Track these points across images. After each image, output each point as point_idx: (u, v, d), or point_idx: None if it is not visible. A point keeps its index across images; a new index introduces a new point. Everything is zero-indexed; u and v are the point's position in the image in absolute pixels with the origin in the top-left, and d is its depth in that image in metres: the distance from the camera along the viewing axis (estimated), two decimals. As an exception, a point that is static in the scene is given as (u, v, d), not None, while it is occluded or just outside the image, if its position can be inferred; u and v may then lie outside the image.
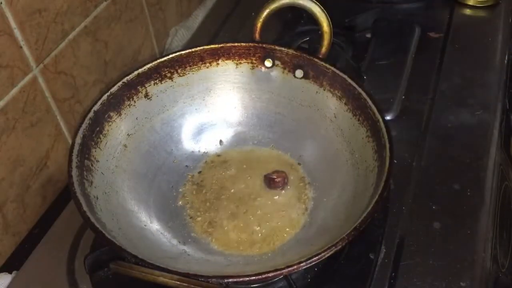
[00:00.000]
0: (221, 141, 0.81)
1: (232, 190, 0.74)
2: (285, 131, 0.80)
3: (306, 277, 0.65)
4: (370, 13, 1.00)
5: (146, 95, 0.77)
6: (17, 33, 0.66)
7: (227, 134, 0.81)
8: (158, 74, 0.78)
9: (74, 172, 0.64)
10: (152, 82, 0.77)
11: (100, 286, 0.64)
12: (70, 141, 0.79)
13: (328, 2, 0.76)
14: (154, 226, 0.70)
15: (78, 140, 0.67)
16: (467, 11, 1.04)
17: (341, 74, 0.74)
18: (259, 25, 0.79)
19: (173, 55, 0.78)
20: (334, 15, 0.76)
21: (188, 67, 0.79)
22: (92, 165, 0.68)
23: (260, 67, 0.80)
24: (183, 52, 0.79)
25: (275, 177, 0.73)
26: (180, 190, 0.75)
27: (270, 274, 0.55)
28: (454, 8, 1.04)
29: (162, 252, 0.66)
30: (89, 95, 0.81)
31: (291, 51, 0.78)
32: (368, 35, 0.99)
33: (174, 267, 0.62)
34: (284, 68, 0.79)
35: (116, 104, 0.74)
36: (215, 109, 0.82)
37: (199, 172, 0.77)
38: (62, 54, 0.74)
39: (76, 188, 0.62)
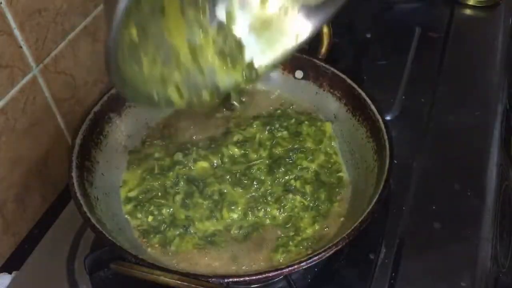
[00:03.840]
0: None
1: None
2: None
3: (306, 277, 0.65)
4: (369, 13, 1.00)
5: (146, 96, 0.77)
6: (17, 33, 0.66)
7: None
8: (158, 74, 0.77)
9: (74, 173, 0.64)
10: (152, 82, 0.77)
11: (100, 286, 0.64)
12: (70, 141, 0.79)
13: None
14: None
15: (78, 141, 0.67)
16: (468, 11, 1.04)
17: (341, 74, 0.74)
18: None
19: (173, 55, 0.78)
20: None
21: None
22: (92, 166, 0.68)
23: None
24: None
25: None
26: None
27: (271, 274, 0.55)
28: (454, 8, 1.04)
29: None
30: (89, 95, 0.81)
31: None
32: (368, 35, 0.99)
33: (174, 266, 0.62)
34: (284, 69, 0.79)
35: (116, 105, 0.74)
36: None
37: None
38: (62, 54, 0.74)
39: (76, 188, 0.62)
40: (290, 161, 0.72)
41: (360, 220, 0.57)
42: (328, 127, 0.75)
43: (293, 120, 0.76)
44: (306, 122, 0.75)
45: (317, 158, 0.73)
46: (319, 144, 0.74)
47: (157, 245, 0.65)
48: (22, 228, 0.74)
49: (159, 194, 0.69)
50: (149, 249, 0.65)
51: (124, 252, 0.56)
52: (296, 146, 0.73)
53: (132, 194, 0.70)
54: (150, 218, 0.67)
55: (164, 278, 0.54)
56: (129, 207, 0.68)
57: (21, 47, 0.67)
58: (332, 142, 0.75)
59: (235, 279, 0.55)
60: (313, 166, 0.72)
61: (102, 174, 0.69)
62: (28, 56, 0.69)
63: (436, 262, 0.66)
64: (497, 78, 0.90)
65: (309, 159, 0.72)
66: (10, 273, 0.69)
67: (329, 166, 0.72)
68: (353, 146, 0.72)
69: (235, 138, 0.74)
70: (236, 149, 0.73)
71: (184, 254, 0.64)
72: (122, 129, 0.74)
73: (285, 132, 0.75)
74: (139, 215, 0.67)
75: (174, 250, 0.64)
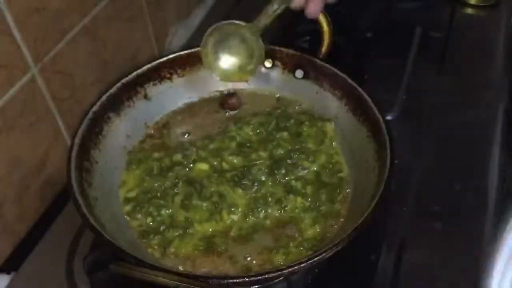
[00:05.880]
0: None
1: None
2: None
3: (307, 278, 0.65)
4: (370, 12, 1.00)
5: (145, 96, 0.77)
6: (15, 32, 0.65)
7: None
8: (158, 75, 0.77)
9: (73, 174, 0.63)
10: (151, 83, 0.77)
11: (99, 287, 0.64)
12: (69, 141, 0.78)
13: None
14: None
15: (77, 141, 0.67)
16: (468, 11, 1.04)
17: (341, 74, 0.74)
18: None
19: (173, 56, 0.78)
20: (334, 15, 0.75)
21: (188, 68, 0.79)
22: (91, 166, 0.68)
23: (260, 68, 0.80)
24: (182, 53, 0.78)
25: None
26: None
27: (271, 275, 0.55)
28: (455, 7, 1.04)
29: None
30: (88, 95, 0.81)
31: (291, 51, 0.78)
32: (369, 35, 0.99)
33: (174, 267, 0.62)
34: (284, 69, 0.79)
35: (115, 105, 0.73)
36: None
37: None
38: (61, 54, 0.74)
39: (75, 189, 0.62)
40: (291, 162, 0.71)
41: (361, 220, 0.57)
42: (329, 127, 0.75)
43: (292, 121, 0.75)
44: (307, 123, 0.75)
45: (318, 158, 0.72)
46: (320, 144, 0.74)
47: (156, 246, 0.64)
48: (21, 229, 0.74)
49: (158, 195, 0.69)
50: (149, 250, 0.64)
51: (123, 253, 0.56)
52: (297, 147, 0.73)
53: (131, 194, 0.69)
54: (149, 219, 0.66)
55: (163, 279, 0.54)
56: (128, 207, 0.68)
57: (19, 46, 0.67)
58: (334, 142, 0.74)
59: (235, 280, 0.55)
60: (314, 167, 0.72)
61: (101, 175, 0.68)
62: (27, 56, 0.68)
63: (437, 263, 0.66)
64: (498, 78, 0.90)
65: (310, 160, 0.72)
66: (8, 273, 0.69)
67: (330, 166, 0.72)
68: (353, 146, 0.72)
69: (233, 144, 0.73)
70: (235, 158, 0.72)
71: (184, 255, 0.64)
72: (121, 129, 0.74)
73: (285, 133, 0.74)
74: (138, 216, 0.67)
75: (173, 251, 0.64)
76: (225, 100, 0.80)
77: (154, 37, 0.98)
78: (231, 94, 0.81)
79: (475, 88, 0.88)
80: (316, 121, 0.75)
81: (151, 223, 0.66)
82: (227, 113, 0.80)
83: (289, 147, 0.73)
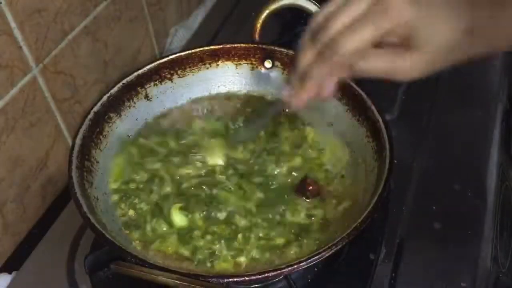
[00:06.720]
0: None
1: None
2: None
3: (306, 277, 0.65)
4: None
5: (146, 96, 0.77)
6: (16, 33, 0.66)
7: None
8: (158, 75, 0.78)
9: (74, 173, 0.64)
10: (152, 83, 0.77)
11: (100, 287, 0.64)
12: (69, 141, 0.79)
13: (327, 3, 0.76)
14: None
15: (78, 141, 0.67)
16: (467, 11, 1.04)
17: (341, 74, 0.74)
18: (258, 25, 0.79)
19: (173, 56, 0.78)
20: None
21: (188, 68, 0.79)
22: (92, 166, 0.68)
23: (260, 68, 0.80)
24: (183, 53, 0.79)
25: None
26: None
27: (271, 274, 0.55)
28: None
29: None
30: (88, 95, 0.81)
31: (291, 52, 0.78)
32: (368, 35, 0.98)
33: (175, 266, 0.62)
34: (284, 69, 0.79)
35: (116, 105, 0.74)
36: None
37: None
38: (62, 54, 0.74)
39: (76, 189, 0.62)
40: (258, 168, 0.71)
41: (360, 220, 0.57)
42: (310, 132, 0.75)
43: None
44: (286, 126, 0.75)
45: (291, 161, 0.72)
46: (297, 148, 0.73)
47: (138, 241, 0.65)
48: (22, 228, 0.74)
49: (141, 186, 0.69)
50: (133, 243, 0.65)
51: (124, 252, 0.56)
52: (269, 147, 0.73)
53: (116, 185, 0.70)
54: (131, 211, 0.67)
55: (164, 278, 0.54)
56: (115, 197, 0.69)
57: (21, 47, 0.67)
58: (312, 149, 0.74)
59: (235, 279, 0.55)
60: (284, 169, 0.71)
61: (102, 174, 0.69)
62: (28, 56, 0.69)
63: (436, 262, 0.66)
64: (497, 78, 0.90)
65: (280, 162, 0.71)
66: (10, 273, 0.69)
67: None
68: (353, 146, 0.72)
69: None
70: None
71: (166, 254, 0.64)
72: (122, 129, 0.74)
73: (262, 133, 0.75)
74: (122, 206, 0.68)
75: (155, 248, 0.64)
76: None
77: (154, 38, 0.98)
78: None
79: (475, 88, 0.89)
80: (297, 124, 0.76)
81: (133, 215, 0.67)
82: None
83: (266, 147, 0.73)
